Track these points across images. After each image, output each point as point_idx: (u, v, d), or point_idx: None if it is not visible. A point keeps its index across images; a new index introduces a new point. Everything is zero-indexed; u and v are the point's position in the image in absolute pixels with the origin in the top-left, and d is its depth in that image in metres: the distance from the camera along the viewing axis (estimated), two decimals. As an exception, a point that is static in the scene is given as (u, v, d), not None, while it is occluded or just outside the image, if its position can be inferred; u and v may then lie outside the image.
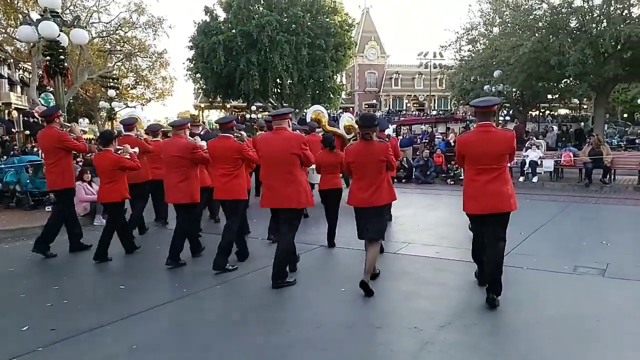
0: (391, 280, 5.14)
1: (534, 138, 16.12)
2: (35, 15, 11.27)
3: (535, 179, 13.22)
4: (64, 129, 6.25)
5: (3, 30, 21.53)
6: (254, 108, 33.49)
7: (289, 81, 27.17)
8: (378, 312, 4.15)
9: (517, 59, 17.18)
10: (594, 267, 5.24)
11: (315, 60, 27.42)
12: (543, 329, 3.72)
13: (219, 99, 31.20)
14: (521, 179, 13.58)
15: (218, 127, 6.14)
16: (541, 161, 13.53)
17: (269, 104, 31.00)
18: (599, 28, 15.87)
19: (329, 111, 39.11)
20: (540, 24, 17.53)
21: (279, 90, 29.37)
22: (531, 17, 17.47)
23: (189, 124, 6.25)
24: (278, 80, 28.06)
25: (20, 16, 17.60)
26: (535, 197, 10.92)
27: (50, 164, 6.02)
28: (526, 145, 14.72)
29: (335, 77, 30.74)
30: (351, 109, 50.45)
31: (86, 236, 7.53)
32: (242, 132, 5.78)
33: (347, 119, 10.09)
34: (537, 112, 34.68)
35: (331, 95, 30.43)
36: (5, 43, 23.57)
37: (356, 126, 9.09)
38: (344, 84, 43.05)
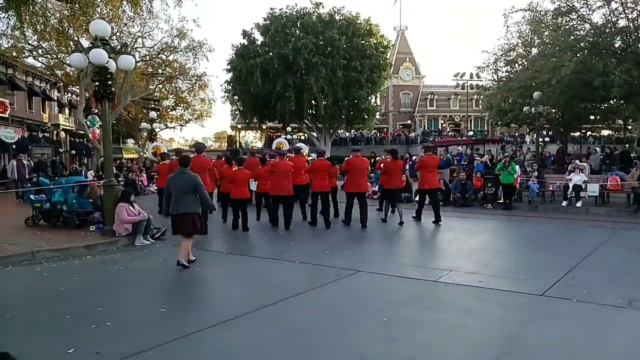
0: (434, 311, 5.00)
1: (577, 161, 15.56)
2: (85, 42, 11.83)
3: (579, 204, 12.73)
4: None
5: (55, 56, 22.70)
6: (289, 129, 33.87)
7: (324, 102, 27.38)
8: (421, 344, 4.03)
9: (558, 81, 16.75)
10: (651, 302, 4.94)
11: (350, 81, 27.57)
12: (599, 369, 3.51)
13: (255, 120, 31.73)
14: (564, 203, 13.12)
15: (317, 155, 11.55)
16: (585, 185, 13.03)
17: (304, 125, 31.28)
18: (645, 48, 15.35)
19: (363, 131, 39.41)
20: (582, 44, 17.09)
21: (313, 112, 29.61)
22: (572, 37, 17.06)
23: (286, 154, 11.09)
24: (313, 101, 28.31)
25: (71, 43, 18.52)
26: (580, 223, 10.50)
27: (202, 178, 8.53)
28: (569, 169, 14.24)
29: (370, 98, 30.77)
30: (385, 129, 50.32)
31: (126, 256, 7.74)
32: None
33: (303, 147, 15.00)
34: (579, 134, 33.58)
35: (365, 116, 30.45)
36: (56, 68, 24.83)
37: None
38: (379, 104, 42.98)
